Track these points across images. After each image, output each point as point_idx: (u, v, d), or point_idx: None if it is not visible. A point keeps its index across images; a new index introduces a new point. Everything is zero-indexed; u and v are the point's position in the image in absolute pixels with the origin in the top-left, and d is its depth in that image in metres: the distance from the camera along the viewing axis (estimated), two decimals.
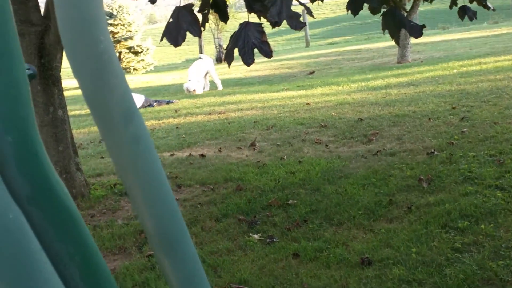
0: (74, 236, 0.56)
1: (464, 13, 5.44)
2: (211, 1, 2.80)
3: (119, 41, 22.85)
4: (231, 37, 2.53)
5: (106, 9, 22.73)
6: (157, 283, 4.10)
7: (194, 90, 15.35)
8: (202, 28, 2.92)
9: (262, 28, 2.60)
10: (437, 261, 3.91)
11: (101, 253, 0.60)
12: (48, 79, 5.95)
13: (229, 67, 3.23)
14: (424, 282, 3.65)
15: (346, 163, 6.59)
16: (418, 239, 4.29)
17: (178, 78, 20.90)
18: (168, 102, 14.24)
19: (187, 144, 8.70)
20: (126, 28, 23.09)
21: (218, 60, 29.15)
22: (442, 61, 15.44)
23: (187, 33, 2.64)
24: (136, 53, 23.33)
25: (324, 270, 3.99)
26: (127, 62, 22.95)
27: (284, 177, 6.27)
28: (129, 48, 22.93)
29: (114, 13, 22.73)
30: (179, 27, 2.24)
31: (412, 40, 17.79)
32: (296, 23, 2.43)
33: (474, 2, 5.57)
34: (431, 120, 8.25)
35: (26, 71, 0.54)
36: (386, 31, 3.77)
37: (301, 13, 2.59)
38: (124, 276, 4.27)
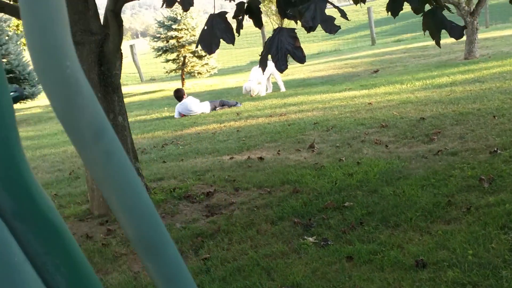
0: (60, 248, 0.59)
1: None
2: (245, 7, 2.82)
3: (183, 46, 23.05)
4: (265, 42, 2.55)
5: (170, 14, 23.03)
6: (211, 286, 4.16)
7: (252, 90, 15.40)
8: (237, 34, 2.95)
9: (295, 33, 2.61)
10: (494, 263, 3.84)
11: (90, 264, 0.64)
12: (108, 86, 6.09)
13: (263, 73, 3.26)
14: (479, 285, 3.59)
15: (406, 163, 6.52)
16: (475, 241, 4.22)
17: (242, 80, 21.04)
18: (236, 104, 14.35)
19: (247, 147, 8.76)
20: (190, 32, 23.28)
21: None
22: (510, 57, 15.05)
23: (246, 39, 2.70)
24: (200, 57, 23.48)
25: (378, 273, 3.97)
26: (192, 66, 23.12)
27: (342, 179, 6.25)
28: (193, 52, 23.08)
29: (178, 18, 22.97)
30: (213, 35, 2.28)
31: (480, 35, 17.41)
32: (331, 27, 2.43)
33: None
34: (496, 117, 8.06)
35: (12, 93, 0.58)
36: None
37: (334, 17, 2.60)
38: None
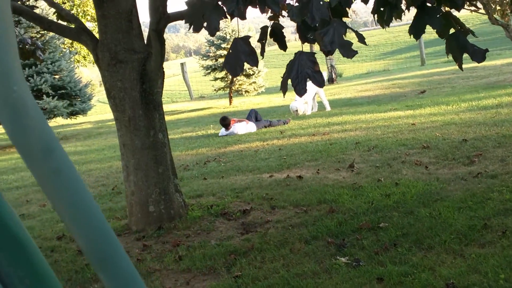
0: (23, 260, 0.63)
1: None
2: (269, 32, 2.85)
3: None
4: (287, 66, 2.58)
5: (220, 33, 23.31)
6: None
7: (298, 110, 15.45)
8: (261, 57, 2.99)
9: (315, 58, 2.64)
10: None
11: (55, 277, 0.67)
12: (149, 104, 6.19)
13: (284, 97, 3.30)
14: None
15: (444, 185, 6.45)
16: (508, 265, 4.16)
17: (288, 99, 21.09)
18: (285, 122, 14.44)
19: (287, 165, 8.79)
20: None
21: (330, 80, 29.19)
22: None
23: None
24: (248, 76, 23.68)
25: None
26: (239, 84, 23.34)
27: (379, 199, 6.23)
28: (243, 71, 23.35)
29: (227, 37, 23.24)
30: (238, 58, 2.32)
31: None
32: (348, 52, 2.45)
33: None
34: None
35: None
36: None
37: (352, 41, 2.61)
38: None
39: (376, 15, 3.67)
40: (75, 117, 19.51)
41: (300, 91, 2.45)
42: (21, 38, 7.39)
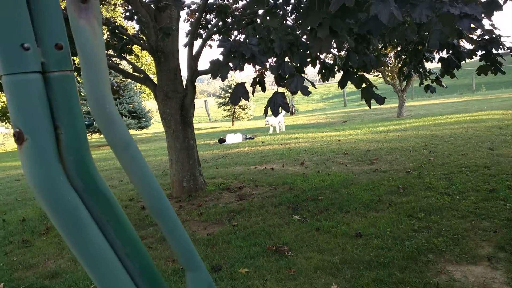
0: (110, 210, 0.62)
1: (428, 88, 5.28)
2: (257, 80, 2.85)
3: None
4: (268, 100, 2.57)
5: (227, 83, 23.43)
6: (236, 241, 4.17)
7: (268, 121, 15.48)
8: (252, 96, 2.98)
9: (285, 95, 2.64)
10: (401, 237, 3.80)
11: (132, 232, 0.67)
12: (185, 123, 6.17)
13: (265, 117, 3.28)
14: (392, 249, 3.56)
15: (356, 175, 6.47)
16: (392, 223, 4.18)
17: (260, 124, 21.08)
18: (251, 137, 14.42)
19: (265, 161, 8.77)
20: None
21: (290, 113, 29.29)
22: (424, 116, 14.86)
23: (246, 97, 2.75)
24: (243, 108, 23.77)
25: (333, 239, 3.94)
26: (238, 113, 23.41)
27: (318, 183, 6.23)
28: (240, 106, 23.42)
29: (232, 85, 23.29)
30: (237, 95, 2.32)
31: (407, 103, 17.24)
32: (305, 92, 2.46)
33: (434, 83, 5.42)
34: (411, 151, 7.97)
35: (85, 122, 0.64)
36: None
37: (308, 85, 2.63)
38: (218, 237, 4.37)
39: (320, 75, 3.69)
40: (141, 130, 19.37)
41: (275, 113, 2.44)
42: (111, 82, 7.30)
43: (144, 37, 6.11)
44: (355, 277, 3.11)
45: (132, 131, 20.67)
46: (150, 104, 29.73)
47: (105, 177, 9.10)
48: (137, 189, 0.63)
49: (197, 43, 6.32)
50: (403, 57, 5.62)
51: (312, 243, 3.89)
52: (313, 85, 2.68)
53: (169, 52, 5.97)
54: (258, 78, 2.32)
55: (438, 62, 5.07)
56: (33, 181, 0.55)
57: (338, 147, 9.59)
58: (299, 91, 2.36)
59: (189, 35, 5.78)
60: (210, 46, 6.51)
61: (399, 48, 6.27)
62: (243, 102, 24.05)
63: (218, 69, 2.21)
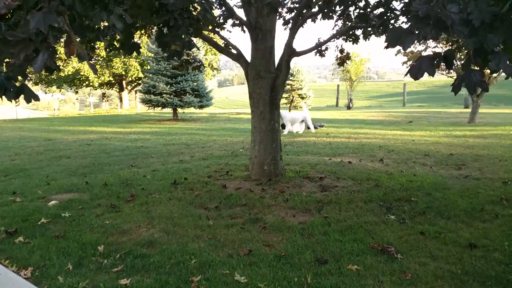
0: None
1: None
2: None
3: (293, 90, 23.10)
4: (461, 77, 2.11)
5: (291, 71, 23.15)
6: (333, 234, 3.95)
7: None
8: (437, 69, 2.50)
9: (484, 74, 2.21)
10: None
11: None
12: (273, 105, 5.99)
13: (455, 94, 2.90)
14: None
15: (446, 180, 6.04)
16: (508, 236, 3.81)
17: (320, 115, 20.72)
18: (322, 125, 14.06)
19: (338, 154, 8.48)
20: (299, 82, 23.28)
21: (348, 107, 28.67)
22: (500, 125, 13.97)
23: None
24: (302, 98, 23.41)
25: (444, 246, 3.63)
26: (297, 102, 23.13)
27: (406, 183, 5.88)
28: (299, 95, 23.12)
29: (294, 73, 23.03)
30: (420, 68, 2.01)
31: (479, 110, 16.29)
32: (484, 84, 2.09)
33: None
34: (501, 161, 7.42)
35: None
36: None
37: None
38: (311, 227, 4.17)
39: None
40: (201, 108, 19.47)
41: (471, 90, 2.07)
42: (193, 57, 7.24)
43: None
44: None
45: (192, 110, 20.88)
46: (209, 84, 29.87)
47: (174, 152, 9.14)
48: None
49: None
50: None
51: (421, 247, 3.61)
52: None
53: (267, 29, 5.78)
54: (444, 54, 2.02)
55: None
56: None
57: (415, 148, 9.12)
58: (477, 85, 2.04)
59: (294, 12, 5.55)
60: (313, 20, 6.21)
61: None
62: (302, 91, 23.70)
63: (399, 37, 1.95)
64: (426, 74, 2.13)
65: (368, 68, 33.07)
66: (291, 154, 8.54)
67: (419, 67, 1.99)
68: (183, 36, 3.61)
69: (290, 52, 5.76)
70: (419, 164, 7.24)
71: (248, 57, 6.17)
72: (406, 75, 2.15)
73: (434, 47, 15.84)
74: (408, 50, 17.31)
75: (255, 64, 5.89)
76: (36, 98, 2.78)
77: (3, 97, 2.67)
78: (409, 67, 2.05)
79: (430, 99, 47.12)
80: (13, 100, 2.71)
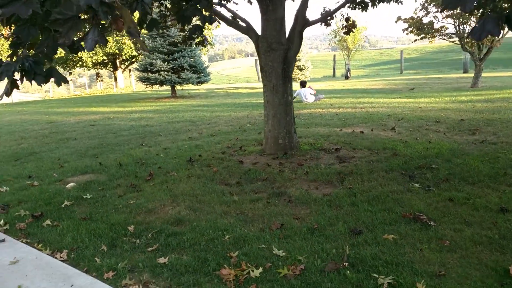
0: None
1: None
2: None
3: None
4: (475, 27, 2.01)
5: None
6: (362, 205, 3.94)
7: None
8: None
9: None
10: None
11: None
12: (286, 77, 5.90)
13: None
14: None
15: (462, 145, 6.02)
16: None
17: (319, 85, 20.54)
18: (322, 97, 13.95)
19: (348, 124, 8.41)
20: (298, 56, 23.12)
21: (346, 77, 28.46)
22: (504, 88, 13.91)
23: None
24: (301, 69, 23.18)
25: (475, 212, 3.63)
26: (295, 74, 22.89)
27: (423, 150, 5.85)
28: (297, 66, 22.85)
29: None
30: (484, 29, 1.92)
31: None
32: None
33: None
34: None
35: None
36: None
37: None
38: (337, 198, 4.15)
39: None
40: (200, 84, 19.25)
41: (482, 36, 1.95)
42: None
43: None
44: None
45: (190, 86, 20.67)
46: (205, 59, 29.47)
47: (181, 129, 9.06)
48: None
49: None
50: None
51: (452, 214, 3.61)
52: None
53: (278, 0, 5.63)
54: (507, 14, 1.92)
55: None
56: None
57: (425, 115, 9.06)
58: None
59: None
60: None
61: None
62: (300, 62, 23.43)
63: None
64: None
65: (365, 37, 32.75)
66: (300, 127, 8.46)
67: (483, 27, 1.91)
68: (203, 10, 3.49)
69: (303, 22, 5.62)
70: (432, 131, 7.21)
71: (257, 29, 6.04)
72: (467, 36, 2.09)
73: (436, 12, 15.64)
74: (408, 16, 17.14)
75: (266, 36, 5.76)
76: (66, 81, 2.69)
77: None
78: (471, 29, 1.95)
79: (425, 65, 46.92)
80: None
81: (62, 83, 2.64)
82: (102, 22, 1.97)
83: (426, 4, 15.72)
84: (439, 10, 14.81)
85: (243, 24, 6.07)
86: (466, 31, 15.19)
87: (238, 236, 3.37)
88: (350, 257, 2.94)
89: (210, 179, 5.00)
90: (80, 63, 31.22)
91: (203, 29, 4.80)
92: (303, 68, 23.61)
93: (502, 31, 4.54)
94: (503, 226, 3.29)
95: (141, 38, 2.28)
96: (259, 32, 5.96)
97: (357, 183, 4.61)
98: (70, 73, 37.85)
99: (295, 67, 23.62)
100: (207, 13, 3.59)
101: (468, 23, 15.28)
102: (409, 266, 2.77)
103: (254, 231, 3.47)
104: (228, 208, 4.06)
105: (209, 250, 3.15)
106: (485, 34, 1.91)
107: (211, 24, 4.02)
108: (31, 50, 2.63)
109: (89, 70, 35.95)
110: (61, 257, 3.10)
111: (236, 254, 3.05)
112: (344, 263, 2.84)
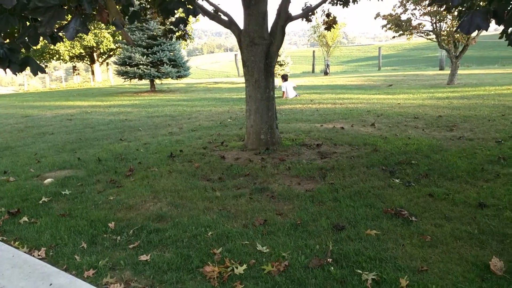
0: None
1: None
2: None
3: None
4: (462, 22, 2.03)
5: None
6: (345, 200, 3.95)
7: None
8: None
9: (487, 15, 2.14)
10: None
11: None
12: (268, 72, 5.87)
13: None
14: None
15: (441, 142, 6.12)
16: (511, 191, 3.91)
17: (298, 81, 20.61)
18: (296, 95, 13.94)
19: (328, 120, 8.45)
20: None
21: (325, 73, 28.59)
22: (479, 86, 14.21)
23: None
24: (281, 65, 23.18)
25: (455, 207, 3.68)
26: (275, 70, 22.89)
27: (402, 146, 5.92)
28: (278, 62, 22.84)
29: None
30: (472, 23, 1.92)
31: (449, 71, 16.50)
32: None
33: None
34: (489, 121, 7.54)
35: None
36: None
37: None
38: (320, 194, 4.16)
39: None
40: (179, 79, 19.05)
41: (472, 29, 1.97)
42: (184, 28, 6.99)
43: None
44: (507, 250, 2.88)
45: (170, 80, 20.43)
46: (185, 53, 29.20)
47: (161, 124, 8.95)
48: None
49: None
50: None
51: (433, 209, 3.65)
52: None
53: None
54: (494, 9, 1.93)
55: None
56: None
57: (403, 111, 9.18)
58: None
59: None
60: None
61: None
62: (280, 58, 23.43)
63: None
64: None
65: (344, 33, 33.02)
66: (281, 122, 8.45)
67: (471, 21, 1.92)
68: (186, 3, 3.43)
69: (286, 17, 5.60)
70: (411, 127, 7.30)
71: (239, 24, 5.99)
72: (456, 30, 2.08)
73: (413, 9, 15.84)
74: (387, 13, 17.31)
75: (249, 30, 5.72)
76: (43, 70, 2.60)
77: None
78: (459, 23, 1.95)
79: (401, 62, 47.62)
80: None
81: (39, 73, 2.55)
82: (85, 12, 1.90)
83: (404, 1, 15.93)
84: (427, 4, 14.97)
85: (225, 18, 6.01)
86: (443, 29, 15.48)
87: (221, 233, 3.33)
88: (333, 253, 2.94)
89: (191, 175, 4.95)
90: (57, 56, 30.48)
91: (187, 22, 4.72)
92: (283, 63, 23.64)
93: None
94: (482, 221, 3.35)
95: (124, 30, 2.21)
96: (241, 26, 5.92)
97: (339, 178, 4.63)
98: (46, 66, 36.92)
99: (277, 63, 23.66)
100: (190, 6, 3.53)
101: (445, 21, 15.57)
102: (392, 261, 2.79)
103: (237, 227, 3.44)
104: (210, 204, 4.01)
105: (192, 247, 3.11)
106: (474, 28, 1.92)
107: (195, 17, 3.95)
108: (7, 39, 2.53)
109: (66, 63, 35.17)
110: (39, 255, 3.01)
111: (219, 250, 3.02)
112: (328, 259, 2.84)
